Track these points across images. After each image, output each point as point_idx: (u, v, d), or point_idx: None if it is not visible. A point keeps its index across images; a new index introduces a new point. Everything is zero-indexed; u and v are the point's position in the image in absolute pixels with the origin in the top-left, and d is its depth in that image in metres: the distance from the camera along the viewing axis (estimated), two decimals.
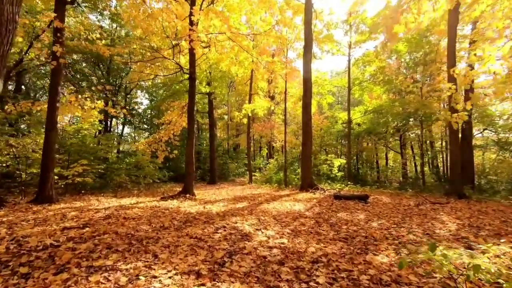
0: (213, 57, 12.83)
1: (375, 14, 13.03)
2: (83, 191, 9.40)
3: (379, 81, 14.12)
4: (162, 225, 4.61)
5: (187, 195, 8.25)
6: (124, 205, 6.68)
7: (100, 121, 19.67)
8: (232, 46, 10.69)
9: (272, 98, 23.15)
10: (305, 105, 11.62)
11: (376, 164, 20.80)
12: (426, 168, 22.69)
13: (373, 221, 5.16)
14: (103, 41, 8.02)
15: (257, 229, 4.49)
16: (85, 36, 8.05)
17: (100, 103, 7.65)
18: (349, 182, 12.39)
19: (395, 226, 4.70)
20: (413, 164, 22.18)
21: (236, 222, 4.86)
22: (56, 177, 8.30)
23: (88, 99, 7.37)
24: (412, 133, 17.17)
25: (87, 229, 4.21)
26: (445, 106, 17.56)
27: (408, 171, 19.35)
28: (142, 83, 18.33)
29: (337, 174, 13.56)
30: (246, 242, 3.77)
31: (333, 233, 4.29)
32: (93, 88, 8.72)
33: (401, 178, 19.09)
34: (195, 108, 18.11)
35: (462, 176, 15.22)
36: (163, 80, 13.43)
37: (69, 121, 17.33)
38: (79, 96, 7.23)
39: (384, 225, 4.76)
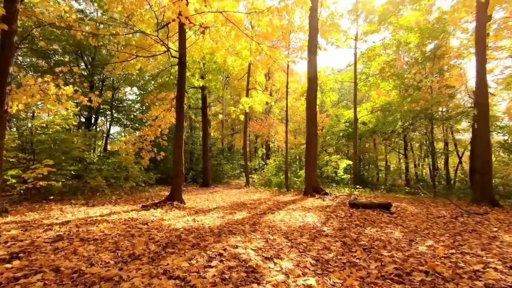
0: (207, 46, 11.51)
1: (386, 1, 11.95)
2: (51, 197, 7.89)
3: (388, 75, 13.03)
4: (132, 252, 3.26)
5: (175, 203, 6.88)
6: (91, 217, 5.27)
7: (85, 118, 18.15)
8: (229, 31, 9.42)
9: (270, 95, 21.89)
10: (310, 99, 10.43)
11: (376, 166, 19.79)
12: (426, 171, 21.89)
13: (416, 241, 3.93)
14: (73, 16, 6.57)
15: (266, 258, 3.19)
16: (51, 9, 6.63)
17: (69, 89, 6.21)
18: (357, 186, 11.21)
19: (453, 251, 3.47)
20: (417, 166, 21.31)
21: (236, 246, 3.55)
22: (13, 180, 6.83)
23: (52, 83, 5.93)
24: (419, 133, 16.18)
25: (15, 262, 2.83)
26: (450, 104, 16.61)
27: (409, 174, 18.41)
28: (130, 76, 16.81)
29: (343, 176, 12.39)
30: (255, 285, 2.47)
31: (376, 265, 3.02)
32: (56, 69, 7.26)
33: (404, 181, 18.16)
34: (187, 103, 16.70)
35: (470, 179, 14.28)
36: (150, 70, 12.01)
37: (54, 115, 15.67)
38: (39, 79, 5.80)
39: (437, 250, 3.53)
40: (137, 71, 12.87)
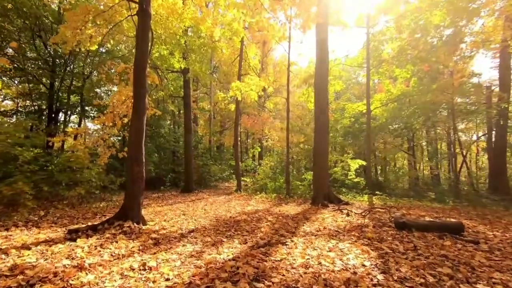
0: (189, 16, 9.06)
1: None
2: None
3: (408, 59, 11.00)
4: None
5: (126, 224, 4.37)
6: None
7: (53, 110, 15.08)
8: None
9: (263, 90, 19.56)
10: (320, 81, 8.19)
11: (376, 168, 17.88)
12: (427, 172, 20.24)
13: None
14: None
15: None
16: None
17: None
18: (377, 192, 9.02)
19: None
20: (420, 167, 19.57)
21: None
22: None
23: None
24: (435, 130, 14.32)
25: None
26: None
27: (421, 177, 16.63)
28: (100, 57, 14.06)
29: (354, 179, 10.19)
30: None
31: None
32: None
33: (407, 184, 16.36)
34: (168, 92, 14.00)
35: (497, 184, 12.49)
36: (115, 45, 9.41)
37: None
38: None
39: None
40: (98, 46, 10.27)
